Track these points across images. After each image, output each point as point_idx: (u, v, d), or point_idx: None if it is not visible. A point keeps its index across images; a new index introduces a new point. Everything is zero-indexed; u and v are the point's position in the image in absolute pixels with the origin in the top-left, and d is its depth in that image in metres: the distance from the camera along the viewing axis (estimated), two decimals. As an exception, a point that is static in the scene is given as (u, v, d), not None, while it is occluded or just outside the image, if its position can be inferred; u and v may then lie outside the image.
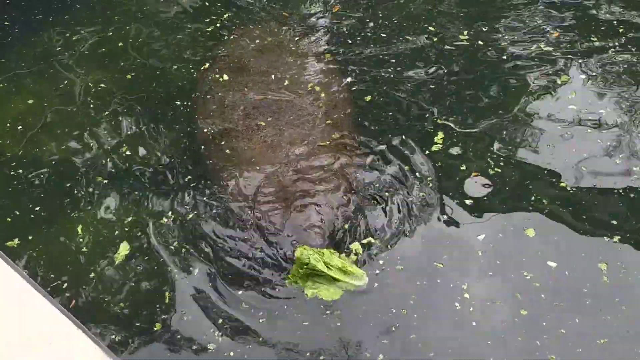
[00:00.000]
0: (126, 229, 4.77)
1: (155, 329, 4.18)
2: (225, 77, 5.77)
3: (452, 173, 4.94)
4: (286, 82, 5.64)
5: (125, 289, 4.43)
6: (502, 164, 4.97)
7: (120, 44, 6.59)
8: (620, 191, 4.69)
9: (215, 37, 6.57)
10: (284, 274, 4.24)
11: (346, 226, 4.49)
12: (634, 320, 4.01)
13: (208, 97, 5.62)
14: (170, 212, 4.85)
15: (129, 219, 4.85)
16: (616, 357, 3.86)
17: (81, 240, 4.74)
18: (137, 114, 5.78)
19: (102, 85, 6.12)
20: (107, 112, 5.81)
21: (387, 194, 4.78)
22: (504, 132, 5.24)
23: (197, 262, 4.51)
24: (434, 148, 5.13)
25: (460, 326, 4.01)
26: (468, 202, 4.73)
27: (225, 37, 6.48)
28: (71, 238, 4.76)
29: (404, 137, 5.25)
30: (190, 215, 4.78)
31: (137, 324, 4.23)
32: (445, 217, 4.65)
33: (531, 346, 3.90)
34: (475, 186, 4.83)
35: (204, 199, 4.88)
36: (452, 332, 3.99)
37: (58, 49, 6.57)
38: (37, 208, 5.01)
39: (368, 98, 5.66)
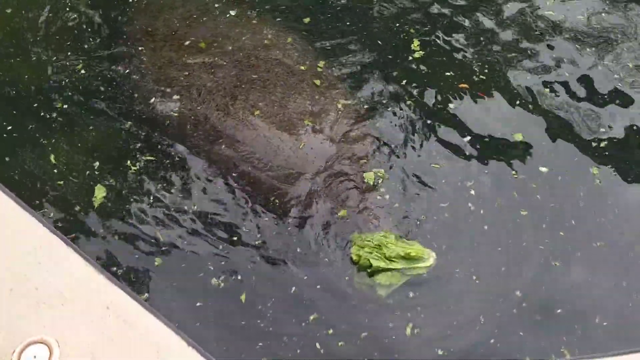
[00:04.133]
0: (97, 171, 4.48)
1: (156, 263, 4.01)
2: (173, 55, 5.00)
3: (436, 79, 4.84)
4: (246, 49, 4.98)
5: (114, 225, 4.21)
6: (487, 71, 4.88)
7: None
8: (606, 97, 4.68)
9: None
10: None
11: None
12: (627, 222, 4.07)
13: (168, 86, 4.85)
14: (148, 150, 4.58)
15: (102, 152, 4.59)
16: (612, 260, 3.92)
17: (55, 171, 4.46)
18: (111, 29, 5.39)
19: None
20: (78, 27, 5.39)
21: (380, 106, 4.69)
22: (487, 38, 5.12)
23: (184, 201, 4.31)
24: (416, 55, 4.99)
25: (475, 230, 4.03)
26: (452, 106, 4.68)
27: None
28: (47, 166, 4.50)
29: (380, 43, 5.11)
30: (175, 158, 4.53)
31: (136, 256, 4.04)
32: (430, 121, 4.60)
33: (535, 251, 3.93)
34: (461, 92, 4.75)
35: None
36: (468, 239, 4.00)
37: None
38: (10, 127, 4.70)
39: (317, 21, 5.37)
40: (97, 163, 4.50)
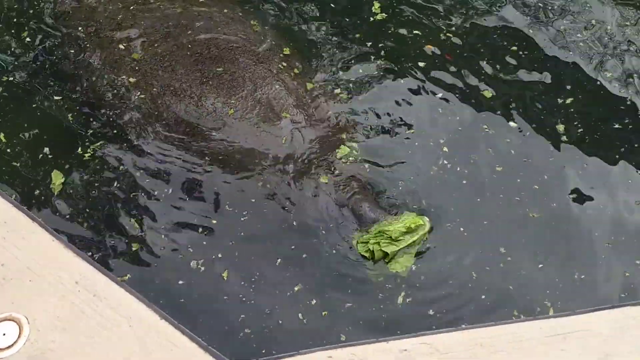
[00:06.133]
0: (50, 155, 4.27)
1: (133, 248, 3.86)
2: (123, 52, 4.55)
3: (403, 40, 4.79)
4: (202, 38, 4.56)
5: (80, 212, 4.02)
6: (454, 29, 4.86)
7: None
8: (568, 59, 4.70)
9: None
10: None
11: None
12: (595, 175, 4.14)
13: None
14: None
15: (52, 136, 4.37)
16: (583, 210, 3.98)
17: (9, 150, 4.26)
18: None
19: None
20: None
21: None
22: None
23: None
24: (379, 17, 4.90)
25: (453, 187, 4.03)
26: (422, 64, 4.63)
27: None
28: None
29: (333, 6, 5.04)
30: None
31: (112, 242, 3.89)
32: (402, 81, 4.55)
33: (512, 203, 3.95)
34: (429, 52, 4.71)
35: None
36: (448, 196, 3.99)
37: None
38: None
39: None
40: (47, 149, 4.27)
